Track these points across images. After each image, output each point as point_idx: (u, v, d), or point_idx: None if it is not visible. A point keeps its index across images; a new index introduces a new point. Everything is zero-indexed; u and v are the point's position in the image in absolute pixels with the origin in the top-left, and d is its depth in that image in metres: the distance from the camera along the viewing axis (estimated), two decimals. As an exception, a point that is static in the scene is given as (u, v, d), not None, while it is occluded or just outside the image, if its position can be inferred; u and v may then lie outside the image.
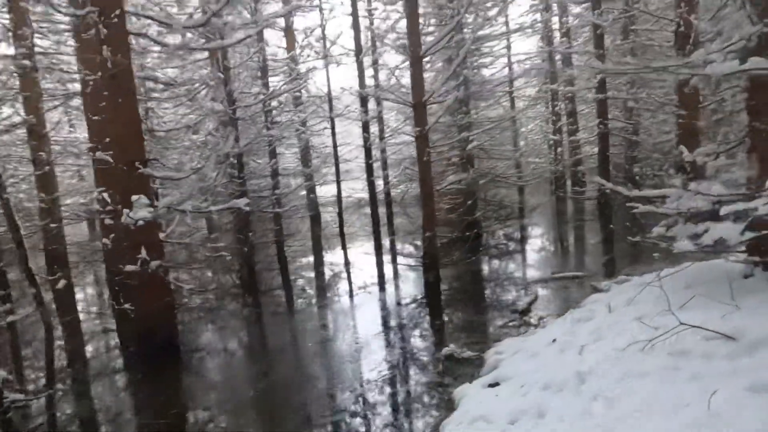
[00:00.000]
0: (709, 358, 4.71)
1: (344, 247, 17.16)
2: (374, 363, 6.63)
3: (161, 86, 9.33)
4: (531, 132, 26.01)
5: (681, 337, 5.13)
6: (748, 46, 6.51)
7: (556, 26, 24.06)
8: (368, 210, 17.43)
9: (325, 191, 22.24)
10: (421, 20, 13.92)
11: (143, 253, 6.98)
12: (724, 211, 4.91)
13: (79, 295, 12.81)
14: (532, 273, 10.65)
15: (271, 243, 14.12)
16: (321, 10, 17.00)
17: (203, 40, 9.22)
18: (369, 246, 15.93)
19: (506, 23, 22.05)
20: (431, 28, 14.60)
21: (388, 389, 5.87)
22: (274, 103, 15.39)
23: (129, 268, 6.65)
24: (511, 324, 7.63)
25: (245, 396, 6.17)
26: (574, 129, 22.44)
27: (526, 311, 7.89)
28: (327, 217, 22.13)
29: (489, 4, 14.22)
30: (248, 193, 12.62)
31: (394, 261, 12.87)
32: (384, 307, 9.42)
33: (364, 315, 9.03)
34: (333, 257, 15.37)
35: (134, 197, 6.17)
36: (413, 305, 9.34)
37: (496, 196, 17.69)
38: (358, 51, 15.25)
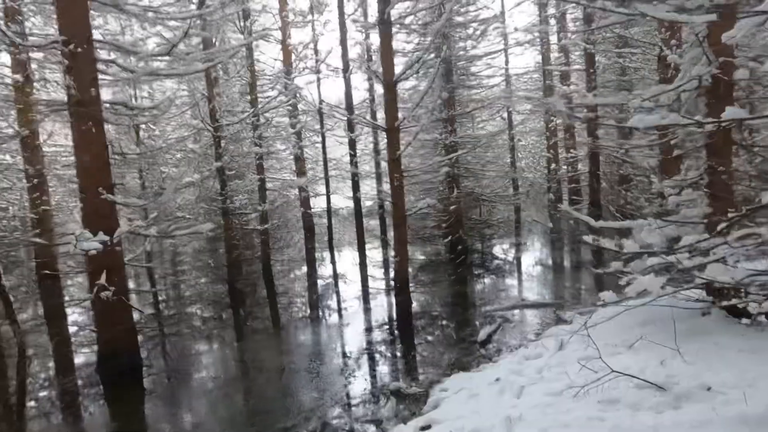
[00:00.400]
0: (636, 408, 4.69)
1: (333, 261, 17.25)
2: (319, 396, 6.64)
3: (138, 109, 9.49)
4: (526, 147, 25.95)
5: (615, 384, 5.11)
6: (702, 85, 6.51)
7: (554, 39, 24.02)
8: (371, 221, 17.55)
9: (323, 202, 22.37)
10: (404, 44, 14.07)
11: (102, 279, 7.09)
12: (650, 262, 4.89)
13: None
14: (504, 299, 10.61)
15: (253, 258, 14.22)
16: (313, 26, 17.16)
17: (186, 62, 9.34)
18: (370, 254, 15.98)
19: (504, 39, 22.10)
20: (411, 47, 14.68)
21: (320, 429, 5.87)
22: (266, 117, 15.57)
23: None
24: (468, 355, 7.62)
25: (197, 421, 6.24)
26: (570, 144, 22.36)
27: (485, 342, 7.87)
28: (324, 228, 22.25)
29: (470, 30, 14.28)
30: (230, 210, 12.73)
31: (364, 285, 12.89)
32: (352, 332, 9.45)
33: (330, 341, 9.06)
34: (323, 270, 15.47)
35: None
36: (381, 331, 9.35)
37: (492, 215, 17.67)
38: (345, 68, 15.36)
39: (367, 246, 17.58)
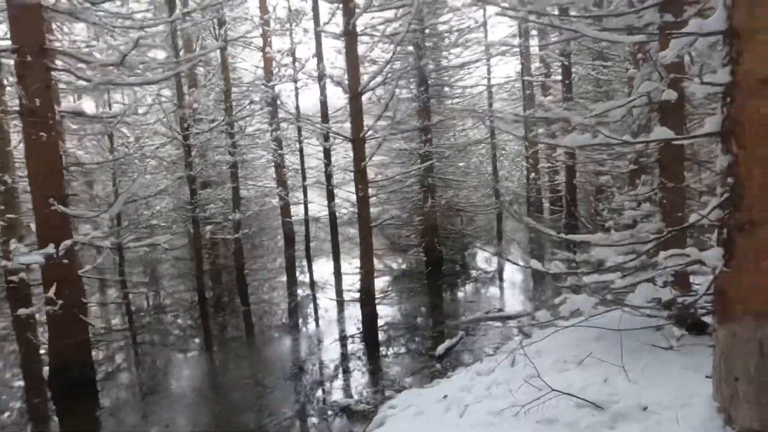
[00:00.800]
0: (573, 428, 4.65)
1: (309, 271, 17.15)
2: (266, 414, 6.53)
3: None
4: (508, 156, 26.02)
5: (556, 402, 5.07)
6: (652, 102, 6.52)
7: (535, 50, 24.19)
8: (351, 229, 17.46)
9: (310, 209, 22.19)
10: (378, 51, 14.05)
11: (51, 291, 6.95)
12: (586, 279, 4.87)
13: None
14: (473, 310, 10.56)
15: (227, 268, 14.09)
16: (291, 35, 17.15)
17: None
18: (343, 265, 15.89)
19: (486, 49, 22.19)
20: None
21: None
22: (240, 125, 15.47)
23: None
24: (425, 369, 7.55)
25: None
26: (549, 153, 22.44)
27: (443, 356, 7.81)
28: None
29: (446, 41, 14.33)
30: (200, 219, 12.61)
31: (336, 295, 12.79)
32: (314, 344, 9.36)
33: (289, 354, 8.97)
34: (298, 280, 15.36)
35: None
36: (343, 343, 9.26)
37: (471, 224, 17.63)
38: (320, 77, 15.33)
39: (347, 255, 17.48)
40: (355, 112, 9.74)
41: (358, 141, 9.69)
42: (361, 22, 10.84)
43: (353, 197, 19.23)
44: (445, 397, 5.92)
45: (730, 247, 3.84)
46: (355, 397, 6.80)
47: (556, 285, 10.63)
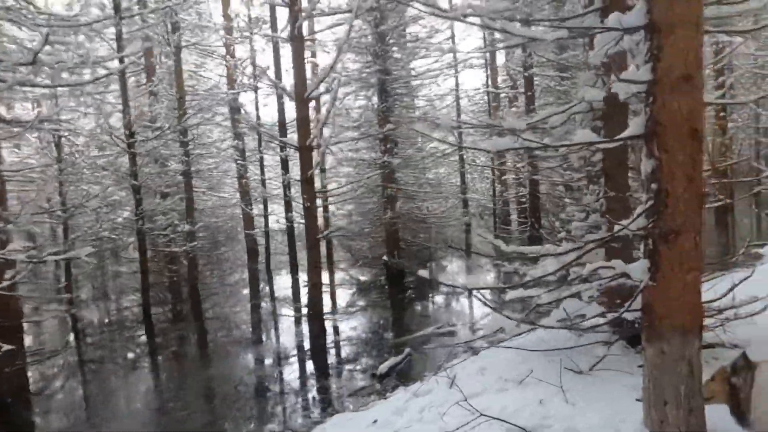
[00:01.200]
0: (499, 457, 4.27)
1: (269, 284, 16.62)
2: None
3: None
4: (477, 168, 25.93)
5: (486, 426, 4.70)
6: (595, 108, 6.30)
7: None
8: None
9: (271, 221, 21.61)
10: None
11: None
12: (511, 295, 4.54)
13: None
14: (426, 325, 10.16)
15: (179, 282, 13.47)
16: (251, 42, 16.75)
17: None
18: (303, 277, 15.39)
19: (455, 60, 22.14)
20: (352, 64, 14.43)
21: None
22: (194, 133, 14.96)
23: None
24: (366, 389, 7.11)
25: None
26: (515, 165, 22.37)
27: (385, 376, 7.38)
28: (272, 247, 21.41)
29: (407, 51, 14.14)
30: (144, 231, 12.00)
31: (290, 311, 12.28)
32: (260, 362, 8.85)
33: (228, 374, 8.42)
34: (252, 294, 14.79)
35: None
36: (288, 362, 8.79)
37: (441, 236, 17.28)
38: (276, 85, 14.96)
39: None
40: (302, 119, 9.38)
41: (304, 149, 9.31)
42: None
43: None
44: (375, 421, 5.50)
45: (655, 258, 3.54)
46: (288, 422, 6.31)
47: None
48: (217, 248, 16.12)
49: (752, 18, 7.28)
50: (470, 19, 4.23)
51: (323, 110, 8.44)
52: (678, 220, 3.44)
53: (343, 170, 16.58)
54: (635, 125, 3.64)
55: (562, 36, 3.87)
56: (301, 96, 9.18)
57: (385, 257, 14.18)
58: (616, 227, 3.56)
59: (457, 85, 23.99)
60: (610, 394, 4.99)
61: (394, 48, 14.66)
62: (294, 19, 8.88)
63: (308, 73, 13.62)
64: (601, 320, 3.73)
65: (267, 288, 15.91)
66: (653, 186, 3.52)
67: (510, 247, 7.05)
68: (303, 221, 9.22)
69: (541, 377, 5.65)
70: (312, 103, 10.37)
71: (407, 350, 8.10)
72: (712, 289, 5.49)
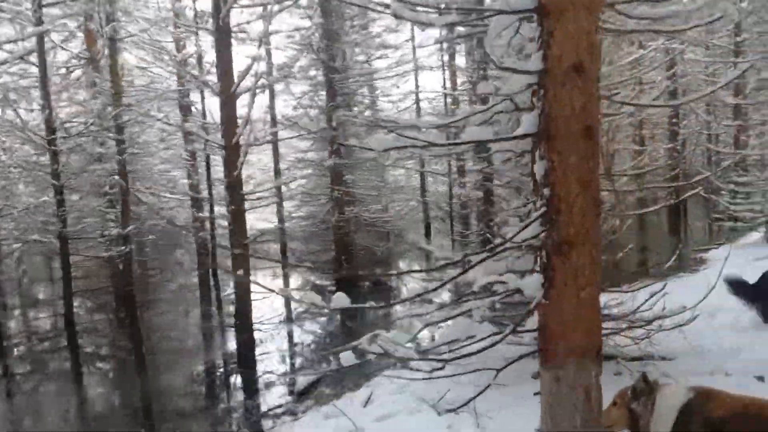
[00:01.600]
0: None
1: (218, 288, 15.90)
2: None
3: None
4: (438, 171, 25.61)
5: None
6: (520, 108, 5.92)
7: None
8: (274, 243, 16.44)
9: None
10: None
11: None
12: (398, 312, 4.09)
13: None
14: (354, 337, 9.63)
15: (98, 289, 12.67)
16: (197, 39, 15.96)
17: None
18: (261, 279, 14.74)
19: (415, 63, 21.77)
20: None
21: None
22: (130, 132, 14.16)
23: None
24: (281, 409, 6.58)
25: None
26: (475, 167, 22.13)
27: (304, 393, 6.85)
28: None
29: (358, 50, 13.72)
30: (66, 234, 11.17)
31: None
32: (185, 375, 8.22)
33: (153, 386, 7.75)
34: (192, 302, 14.07)
35: None
36: (213, 374, 8.19)
37: (400, 239, 16.82)
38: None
39: (260, 272, 16.23)
40: (229, 115, 8.79)
41: (230, 148, 8.72)
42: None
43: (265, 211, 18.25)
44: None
45: (549, 273, 3.13)
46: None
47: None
48: (164, 253, 15.28)
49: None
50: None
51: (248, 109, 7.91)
52: (572, 229, 3.03)
53: (299, 172, 16.02)
54: (528, 122, 3.24)
55: (454, 21, 3.46)
56: (227, 92, 8.59)
57: (331, 262, 13.68)
58: (500, 239, 3.14)
59: (417, 86, 23.67)
60: (525, 419, 4.59)
61: (344, 45, 14.19)
62: (217, 8, 8.29)
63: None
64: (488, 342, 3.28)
65: (212, 294, 15.19)
66: (545, 191, 3.11)
67: (442, 253, 6.66)
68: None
69: (457, 397, 5.24)
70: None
71: (327, 366, 7.59)
72: (653, 298, 5.20)
